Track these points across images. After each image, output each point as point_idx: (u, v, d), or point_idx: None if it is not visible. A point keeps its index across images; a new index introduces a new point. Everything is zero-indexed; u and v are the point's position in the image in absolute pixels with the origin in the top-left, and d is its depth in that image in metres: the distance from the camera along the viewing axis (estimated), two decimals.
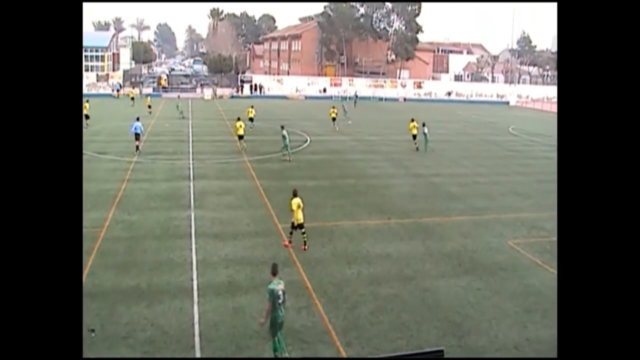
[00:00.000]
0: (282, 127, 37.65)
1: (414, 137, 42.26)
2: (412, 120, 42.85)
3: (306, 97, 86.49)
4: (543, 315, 15.66)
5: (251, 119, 49.27)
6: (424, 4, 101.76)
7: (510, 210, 26.11)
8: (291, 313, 15.18)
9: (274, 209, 24.70)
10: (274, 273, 13.12)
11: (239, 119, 41.05)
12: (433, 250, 20.43)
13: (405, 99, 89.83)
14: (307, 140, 44.39)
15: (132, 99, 66.93)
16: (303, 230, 20.14)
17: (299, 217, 20.00)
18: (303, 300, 16.06)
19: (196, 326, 14.42)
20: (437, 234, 22.29)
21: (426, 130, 41.03)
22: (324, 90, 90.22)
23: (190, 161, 34.61)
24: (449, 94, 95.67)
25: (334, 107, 55.05)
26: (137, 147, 36.97)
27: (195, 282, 16.83)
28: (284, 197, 26.32)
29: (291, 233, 20.38)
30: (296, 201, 20.08)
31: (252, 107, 51.43)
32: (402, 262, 19.21)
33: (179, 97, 63.75)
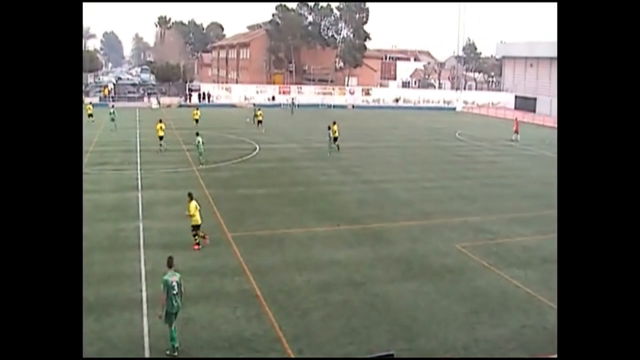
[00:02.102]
0: (197, 134, 38.09)
1: (335, 139, 43.24)
2: (334, 124, 43.99)
3: (254, 105, 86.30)
4: (490, 316, 15.99)
5: (196, 121, 50.24)
6: (371, 12, 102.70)
7: (457, 214, 26.52)
8: (242, 321, 15.20)
9: (223, 217, 24.59)
10: (170, 265, 13.96)
11: (160, 121, 43.62)
12: (382, 256, 20.62)
13: (353, 106, 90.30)
14: (256, 149, 44.29)
15: (90, 115, 58.57)
16: (197, 232, 20.83)
17: (197, 218, 20.68)
18: (253, 308, 16.03)
19: (146, 338, 14.28)
20: (386, 239, 22.50)
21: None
22: (273, 98, 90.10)
23: (138, 171, 34.17)
24: (397, 100, 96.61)
25: (259, 110, 58.90)
26: None
27: (144, 294, 16.65)
28: (234, 206, 26.38)
29: (195, 235, 20.83)
30: (193, 204, 20.74)
31: (197, 109, 51.61)
32: (351, 267, 19.34)
33: (112, 106, 60.46)
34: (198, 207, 20.84)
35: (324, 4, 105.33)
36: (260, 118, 56.32)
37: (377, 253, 20.90)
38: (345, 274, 18.83)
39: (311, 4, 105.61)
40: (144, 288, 17.08)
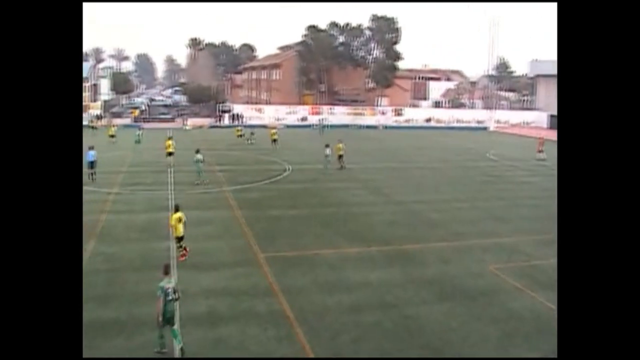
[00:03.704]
0: (197, 151, 38.46)
1: (340, 157, 44.89)
2: (340, 142, 45.71)
3: (286, 126, 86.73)
4: (524, 339, 15.73)
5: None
6: (402, 32, 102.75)
7: (490, 235, 26.23)
8: (272, 342, 15.15)
9: (254, 238, 24.62)
10: (166, 272, 14.96)
11: (170, 138, 45.58)
12: (414, 277, 20.45)
13: (384, 127, 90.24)
14: (286, 169, 44.40)
15: (112, 136, 59.37)
16: (181, 243, 21.72)
17: (180, 230, 21.59)
18: (284, 329, 15.97)
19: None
20: (418, 261, 22.32)
21: (328, 152, 44.53)
22: (304, 119, 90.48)
23: (170, 192, 34.46)
24: (429, 120, 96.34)
25: (275, 129, 61.21)
26: (91, 175, 37.07)
27: (175, 313, 16.67)
28: (264, 227, 26.41)
29: (180, 247, 21.79)
30: (176, 216, 21.66)
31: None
32: (382, 289, 19.19)
33: (140, 128, 60.81)
34: (182, 219, 21.67)
35: (355, 25, 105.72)
36: (275, 137, 57.47)
37: (408, 274, 20.72)
38: (377, 295, 18.70)
39: (342, 24, 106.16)
40: (175, 308, 17.10)
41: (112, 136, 58.64)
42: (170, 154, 44.31)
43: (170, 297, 14.45)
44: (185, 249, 21.83)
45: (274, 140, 57.14)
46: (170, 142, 45.15)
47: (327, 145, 45.18)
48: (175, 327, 14.70)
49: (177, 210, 22.01)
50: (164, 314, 14.32)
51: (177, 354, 14.41)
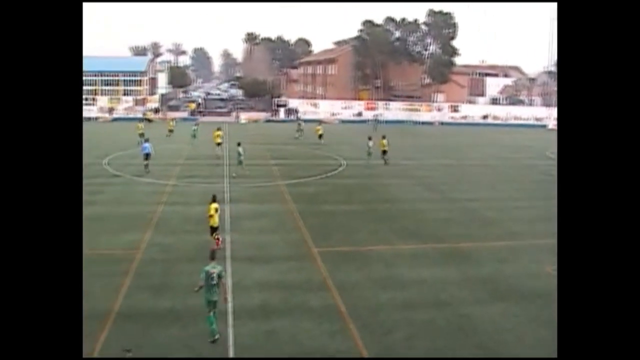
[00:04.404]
0: (239, 144, 39.24)
1: (384, 152, 44.62)
2: (384, 138, 45.22)
3: (341, 121, 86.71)
4: None
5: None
6: (459, 27, 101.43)
7: (547, 235, 25.58)
8: (325, 337, 15.17)
9: (309, 232, 24.72)
10: (212, 258, 15.49)
11: (219, 129, 48.28)
12: (469, 276, 20.21)
13: (440, 123, 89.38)
14: (341, 164, 44.42)
15: (171, 130, 60.51)
16: (215, 233, 22.17)
17: (215, 220, 22.13)
18: (337, 324, 15.98)
19: (230, 349, 14.46)
20: (473, 259, 22.06)
21: (371, 144, 44.52)
22: (359, 114, 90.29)
23: (226, 185, 34.87)
24: (486, 117, 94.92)
25: (320, 124, 62.18)
26: (146, 166, 38.38)
27: (229, 305, 16.86)
28: (318, 221, 26.48)
29: (213, 234, 22.15)
30: (214, 206, 22.07)
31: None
32: (437, 287, 19.03)
33: (197, 124, 60.93)
34: (218, 210, 22.22)
35: (411, 20, 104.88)
36: (320, 132, 58.13)
37: (463, 273, 20.49)
38: (431, 293, 18.55)
39: (398, 19, 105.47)
40: (229, 299, 17.30)
41: (171, 131, 59.53)
42: (218, 144, 46.74)
43: (214, 282, 14.79)
44: (218, 239, 22.13)
45: (320, 136, 58.06)
46: (218, 132, 47.22)
47: (369, 138, 45.59)
48: (212, 315, 14.86)
49: (214, 200, 22.36)
50: (207, 298, 14.78)
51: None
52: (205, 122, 64.57)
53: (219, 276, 14.96)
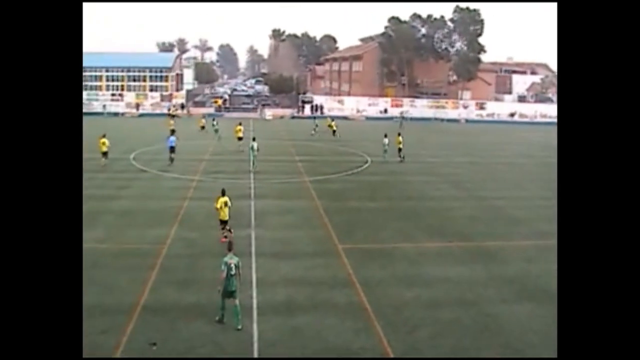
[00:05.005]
0: (253, 139, 39.72)
1: (399, 149, 44.71)
2: (399, 135, 45.94)
3: (367, 118, 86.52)
4: None
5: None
6: (486, 24, 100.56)
7: None
8: (349, 334, 15.13)
9: (334, 229, 24.68)
10: (230, 249, 15.69)
11: (240, 124, 49.49)
12: (495, 275, 20.04)
13: (467, 120, 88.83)
14: (367, 161, 44.32)
15: (202, 127, 61.09)
16: (227, 226, 22.38)
17: (225, 214, 22.27)
18: (361, 321, 15.93)
19: (255, 344, 14.47)
20: (500, 258, 21.86)
21: (386, 141, 45.06)
22: (385, 111, 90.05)
23: (251, 181, 34.97)
24: (512, 115, 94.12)
25: (333, 120, 64.47)
26: (171, 159, 39.49)
27: (254, 301, 16.90)
28: (344, 218, 26.44)
29: (223, 229, 22.37)
30: (222, 199, 22.30)
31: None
32: (462, 286, 18.89)
33: (213, 119, 61.89)
34: (228, 204, 22.38)
35: (438, 16, 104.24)
36: (334, 128, 60.15)
37: (489, 272, 20.32)
38: (456, 291, 18.42)
39: (424, 16, 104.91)
40: (254, 295, 17.34)
41: (203, 127, 59.84)
42: (240, 138, 47.75)
43: (233, 272, 15.14)
44: (230, 230, 22.33)
45: (334, 131, 59.32)
46: (239, 127, 48.43)
47: (385, 135, 45.63)
48: (237, 303, 15.20)
49: (223, 194, 22.59)
50: (225, 287, 15.11)
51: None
52: (230, 119, 64.77)
53: (237, 267, 15.32)
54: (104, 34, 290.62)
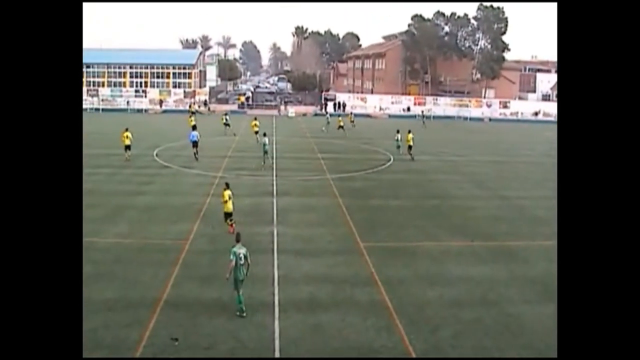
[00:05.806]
0: (264, 135, 40.71)
1: (410, 147, 44.53)
2: (409, 132, 45.62)
3: (390, 116, 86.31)
4: None
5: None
6: (510, 22, 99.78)
7: None
8: (371, 332, 15.14)
9: (356, 227, 24.67)
10: (238, 240, 16.17)
11: (255, 119, 50.93)
12: (518, 275, 19.92)
13: (490, 119, 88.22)
14: (390, 159, 44.21)
15: (226, 124, 57.96)
16: (231, 218, 23.19)
17: (229, 207, 23.07)
18: (383, 320, 15.93)
19: (276, 341, 14.53)
20: (522, 258, 21.73)
21: (398, 137, 46.12)
22: (408, 109, 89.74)
23: (274, 177, 35.08)
24: (536, 114, 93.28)
25: (340, 117, 64.13)
26: (195, 154, 40.31)
27: (276, 298, 16.98)
28: (366, 216, 26.43)
29: (227, 220, 23.23)
30: (227, 192, 23.14)
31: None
32: (485, 285, 18.81)
33: (225, 113, 62.49)
34: (231, 197, 23.13)
35: (461, 14, 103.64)
36: (341, 124, 60.39)
37: (511, 272, 20.21)
38: (479, 291, 18.34)
39: (448, 14, 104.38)
40: (276, 292, 17.43)
41: (226, 124, 60.01)
42: (256, 132, 49.64)
43: (241, 262, 15.74)
44: (232, 224, 22.92)
45: (341, 127, 59.87)
46: (255, 122, 50.55)
47: (397, 131, 46.46)
48: (242, 293, 15.85)
49: (227, 187, 23.45)
50: (236, 277, 15.72)
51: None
52: (252, 115, 65.07)
53: (245, 257, 15.90)
54: (129, 31, 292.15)
